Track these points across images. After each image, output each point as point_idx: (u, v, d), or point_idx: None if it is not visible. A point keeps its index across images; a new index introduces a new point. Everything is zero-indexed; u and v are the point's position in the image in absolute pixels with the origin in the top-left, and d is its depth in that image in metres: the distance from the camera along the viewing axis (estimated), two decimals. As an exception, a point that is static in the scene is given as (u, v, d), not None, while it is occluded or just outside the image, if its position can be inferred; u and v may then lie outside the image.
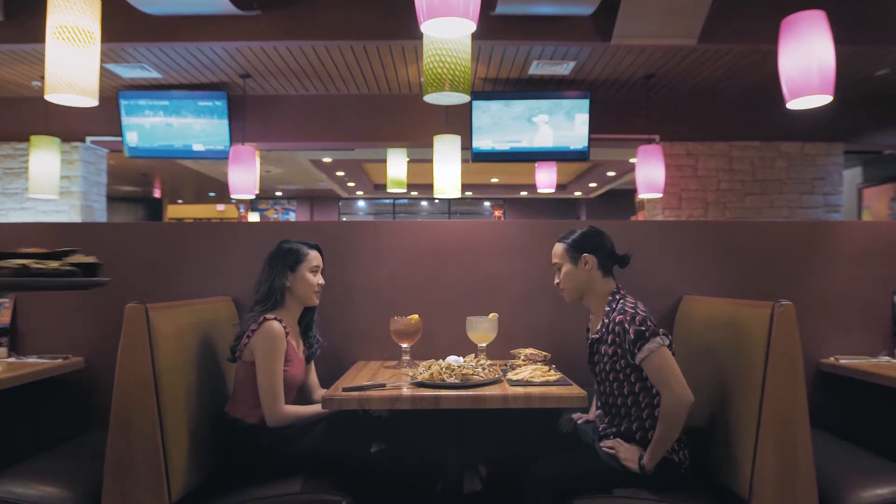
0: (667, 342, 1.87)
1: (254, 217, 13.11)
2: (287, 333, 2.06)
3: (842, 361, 2.39)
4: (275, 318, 2.03)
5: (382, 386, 1.84)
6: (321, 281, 2.21)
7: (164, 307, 1.91)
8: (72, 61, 2.70)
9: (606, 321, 1.99)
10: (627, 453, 1.90)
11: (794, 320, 1.74)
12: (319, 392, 2.28)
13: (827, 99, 2.96)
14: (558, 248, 2.10)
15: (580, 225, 2.13)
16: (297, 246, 2.19)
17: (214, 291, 2.48)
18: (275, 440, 1.97)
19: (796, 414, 1.72)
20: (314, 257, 2.19)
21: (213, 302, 2.35)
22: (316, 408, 2.03)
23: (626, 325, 1.89)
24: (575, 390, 1.80)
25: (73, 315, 2.52)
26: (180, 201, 13.92)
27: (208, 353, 2.14)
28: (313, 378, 2.32)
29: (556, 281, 2.11)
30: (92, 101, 2.83)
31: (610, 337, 1.95)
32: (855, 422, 2.34)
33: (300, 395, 2.23)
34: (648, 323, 1.89)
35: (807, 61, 2.92)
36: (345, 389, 1.80)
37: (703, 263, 2.58)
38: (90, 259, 1.45)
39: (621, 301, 1.99)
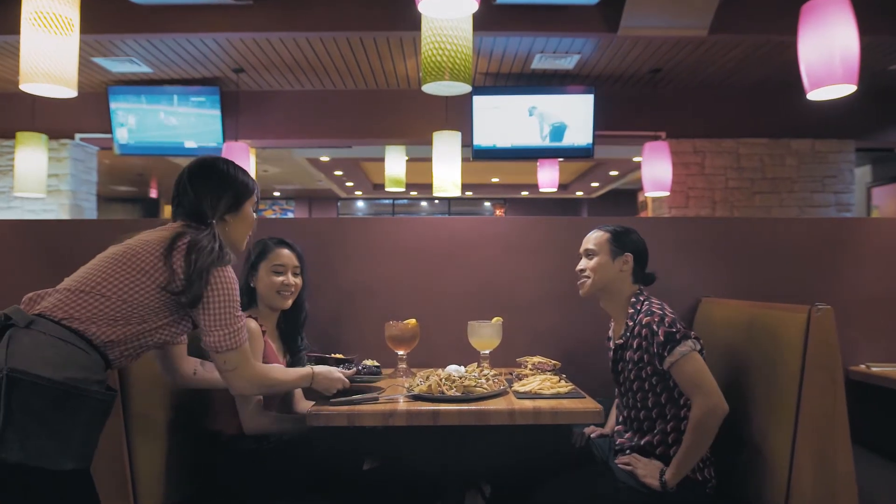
0: (698, 347, 1.72)
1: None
2: (264, 332, 1.89)
3: (873, 369, 2.24)
4: (250, 316, 1.86)
5: (375, 399, 1.67)
6: (292, 281, 2.01)
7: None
8: (49, 49, 2.60)
9: (631, 324, 1.83)
10: (646, 469, 1.75)
11: (833, 326, 1.59)
12: (303, 405, 2.10)
13: (850, 89, 2.81)
14: (601, 236, 1.94)
15: (604, 222, 1.99)
16: (265, 241, 2.04)
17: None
18: (257, 456, 1.80)
19: (836, 429, 1.58)
20: (277, 255, 2.01)
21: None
22: (299, 416, 1.86)
23: (655, 327, 1.74)
24: (589, 404, 1.63)
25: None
26: (177, 201, 13.76)
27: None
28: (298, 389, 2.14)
29: (581, 268, 1.95)
30: (70, 92, 2.69)
31: (636, 342, 1.80)
32: (889, 434, 2.17)
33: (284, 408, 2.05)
34: (678, 325, 1.74)
35: (829, 49, 2.77)
36: (332, 403, 1.63)
37: (722, 263, 2.43)
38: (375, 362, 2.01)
39: (646, 303, 1.84)
